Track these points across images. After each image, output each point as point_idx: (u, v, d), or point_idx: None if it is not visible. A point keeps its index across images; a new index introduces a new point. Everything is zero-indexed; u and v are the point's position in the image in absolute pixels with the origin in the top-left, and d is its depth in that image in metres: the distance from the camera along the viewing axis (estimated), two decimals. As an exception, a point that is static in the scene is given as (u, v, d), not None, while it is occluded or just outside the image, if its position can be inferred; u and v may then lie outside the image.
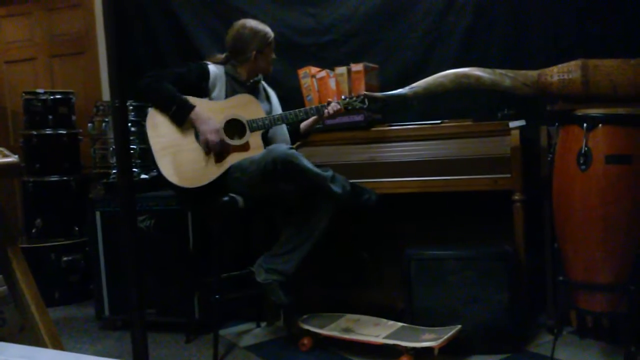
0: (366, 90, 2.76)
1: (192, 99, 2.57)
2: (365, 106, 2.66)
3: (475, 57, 2.91)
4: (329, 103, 2.67)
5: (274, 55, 2.80)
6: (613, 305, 2.19)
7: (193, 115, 2.53)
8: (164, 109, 2.55)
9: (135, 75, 2.64)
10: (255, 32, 2.72)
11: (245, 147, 2.58)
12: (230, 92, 2.69)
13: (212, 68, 2.69)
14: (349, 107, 2.67)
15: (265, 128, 2.65)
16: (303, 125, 2.80)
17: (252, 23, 2.76)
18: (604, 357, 2.36)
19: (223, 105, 2.63)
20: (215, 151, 2.53)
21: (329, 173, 2.49)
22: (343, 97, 2.70)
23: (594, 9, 2.79)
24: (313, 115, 2.70)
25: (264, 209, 2.75)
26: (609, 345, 2.45)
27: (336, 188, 2.46)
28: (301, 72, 3.00)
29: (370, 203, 2.54)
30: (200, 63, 2.73)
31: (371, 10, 3.24)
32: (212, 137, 2.51)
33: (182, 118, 2.54)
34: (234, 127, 2.61)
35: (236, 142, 2.58)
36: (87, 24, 4.22)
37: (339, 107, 2.65)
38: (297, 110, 2.66)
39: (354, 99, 2.66)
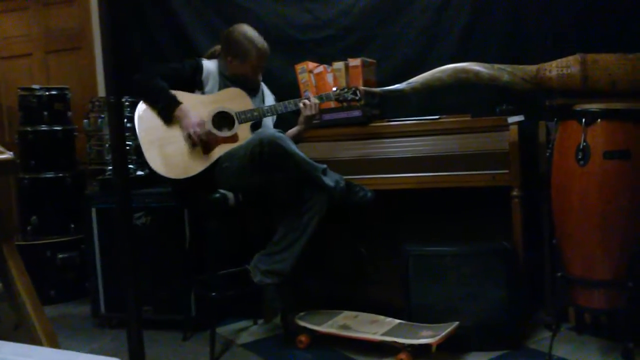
0: (364, 86, 2.75)
1: (180, 94, 2.59)
2: (357, 97, 2.65)
3: (473, 53, 2.90)
4: (307, 98, 2.66)
5: (260, 70, 2.76)
6: (611, 302, 2.19)
7: (178, 112, 2.55)
8: (152, 105, 2.58)
9: (131, 72, 2.63)
10: (237, 41, 2.68)
11: (234, 139, 2.58)
12: (222, 88, 2.70)
13: (206, 63, 2.72)
14: (340, 99, 2.67)
15: (254, 120, 2.64)
16: (288, 133, 2.75)
17: (246, 32, 2.70)
18: (602, 353, 2.36)
19: (212, 99, 2.64)
20: (199, 143, 2.53)
21: (322, 166, 2.50)
22: (334, 88, 2.70)
23: (592, 4, 2.78)
24: (297, 107, 2.65)
25: (257, 205, 2.74)
26: (607, 341, 2.45)
27: (328, 181, 2.46)
28: (298, 67, 2.98)
29: (365, 201, 2.52)
30: (194, 58, 2.76)
31: (369, 6, 3.22)
32: (195, 129, 2.51)
33: (169, 115, 2.56)
34: (223, 119, 2.61)
35: (224, 133, 2.58)
36: (82, 19, 4.20)
37: (317, 101, 2.63)
38: (285, 101, 2.66)
39: (346, 90, 2.66)
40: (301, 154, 2.45)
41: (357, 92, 2.65)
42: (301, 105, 2.64)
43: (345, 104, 2.72)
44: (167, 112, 2.56)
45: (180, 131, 2.56)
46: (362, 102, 2.68)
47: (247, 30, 2.72)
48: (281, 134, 2.44)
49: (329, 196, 2.47)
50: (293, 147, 2.43)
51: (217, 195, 2.48)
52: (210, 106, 2.60)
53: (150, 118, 2.57)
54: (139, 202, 2.91)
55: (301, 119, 2.68)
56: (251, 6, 3.40)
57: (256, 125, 2.70)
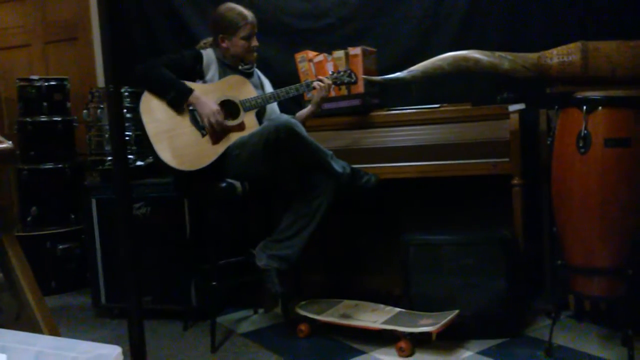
0: (364, 74, 2.74)
1: (187, 83, 2.57)
2: (353, 80, 2.66)
3: (473, 40, 2.88)
4: (320, 80, 2.65)
5: (254, 43, 2.72)
6: (611, 289, 2.18)
7: (192, 98, 2.53)
8: (161, 94, 2.54)
9: (131, 63, 2.61)
10: (223, 16, 2.69)
11: (241, 127, 2.58)
12: (222, 75, 2.69)
13: (204, 52, 2.71)
14: (338, 82, 2.68)
15: (258, 107, 2.64)
16: (298, 115, 2.77)
17: (226, 6, 2.71)
18: (601, 340, 2.37)
19: (215, 87, 2.63)
20: (217, 131, 2.52)
21: (330, 152, 2.50)
22: (330, 72, 2.71)
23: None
24: (303, 91, 2.67)
25: (262, 194, 2.74)
26: (606, 329, 2.45)
27: (337, 166, 2.46)
28: (298, 56, 2.97)
29: (370, 185, 2.53)
30: (193, 48, 2.76)
31: (368, -7, 3.20)
32: (215, 118, 2.50)
33: (180, 102, 2.54)
34: (228, 108, 2.60)
35: (232, 122, 2.57)
36: (81, 9, 4.17)
37: (329, 81, 2.63)
38: (287, 87, 2.64)
39: (341, 73, 2.68)
40: (313, 140, 2.45)
41: (352, 74, 2.67)
42: (316, 85, 2.63)
43: (342, 86, 2.74)
44: (179, 101, 2.53)
45: (188, 121, 2.54)
46: (357, 82, 2.70)
47: (229, 4, 2.73)
48: (295, 121, 2.43)
49: (336, 182, 2.47)
50: (306, 133, 2.43)
51: (225, 184, 2.48)
52: (213, 95, 2.59)
53: (155, 109, 2.54)
54: (139, 192, 2.91)
55: (316, 99, 2.66)
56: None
57: (260, 113, 2.70)
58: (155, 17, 3.72)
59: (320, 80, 2.64)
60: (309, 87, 2.65)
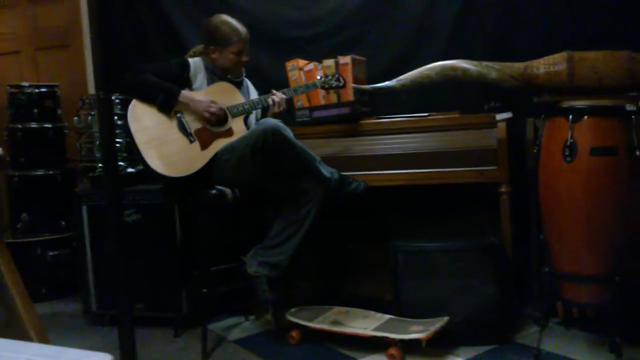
0: (354, 83, 2.76)
1: None
2: (341, 84, 2.69)
3: (463, 50, 2.92)
4: (272, 93, 2.67)
5: (243, 58, 2.74)
6: (598, 296, 2.20)
7: (182, 98, 2.55)
8: (150, 99, 2.56)
9: (122, 70, 2.62)
10: (217, 28, 2.69)
11: (229, 133, 2.60)
12: (210, 83, 2.71)
13: (192, 60, 2.72)
14: (326, 87, 2.71)
15: (246, 113, 2.67)
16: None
17: (223, 18, 2.72)
18: (589, 347, 2.39)
19: (203, 94, 2.64)
20: (220, 118, 2.56)
21: (318, 157, 2.53)
22: (318, 76, 2.74)
23: (580, 3, 2.80)
24: (288, 97, 2.71)
25: (253, 201, 2.75)
26: (594, 335, 2.47)
27: (325, 172, 2.49)
28: (289, 64, 2.99)
29: (359, 191, 2.55)
30: (180, 57, 2.77)
31: (359, 2, 3.24)
32: (214, 108, 2.55)
33: (170, 104, 2.55)
34: None
35: (219, 128, 2.59)
36: (72, 16, 4.18)
37: (284, 97, 2.66)
38: (262, 96, 2.70)
39: (329, 77, 2.70)
40: (301, 144, 2.47)
41: (341, 78, 2.69)
42: (270, 102, 2.65)
43: (331, 91, 2.76)
44: (168, 103, 2.55)
45: (176, 128, 2.55)
46: (345, 86, 2.73)
47: (224, 17, 2.73)
48: (283, 124, 2.45)
49: (325, 187, 2.49)
50: (293, 137, 2.45)
51: (215, 191, 2.49)
52: None
53: (143, 118, 2.55)
54: (129, 199, 2.90)
55: (269, 115, 2.67)
56: (242, 4, 3.40)
57: (246, 119, 2.72)
58: (147, 24, 3.73)
59: (274, 95, 2.65)
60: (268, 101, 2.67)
